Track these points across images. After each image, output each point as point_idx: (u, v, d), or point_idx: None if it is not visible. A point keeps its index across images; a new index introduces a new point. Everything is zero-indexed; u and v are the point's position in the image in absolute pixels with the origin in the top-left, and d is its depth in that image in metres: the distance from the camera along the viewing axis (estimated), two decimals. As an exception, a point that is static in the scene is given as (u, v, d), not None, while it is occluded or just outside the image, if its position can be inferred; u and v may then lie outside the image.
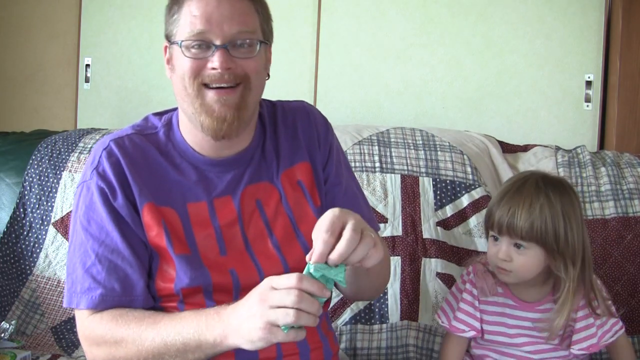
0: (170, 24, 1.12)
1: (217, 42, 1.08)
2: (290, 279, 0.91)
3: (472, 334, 1.43)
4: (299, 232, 1.20)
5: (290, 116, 1.27)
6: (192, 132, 1.17)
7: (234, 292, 1.14)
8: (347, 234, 0.91)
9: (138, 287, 1.11)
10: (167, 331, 1.03)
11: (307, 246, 1.18)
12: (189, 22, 1.08)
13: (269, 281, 0.94)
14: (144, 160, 1.16)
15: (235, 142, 1.18)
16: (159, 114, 1.26)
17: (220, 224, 1.16)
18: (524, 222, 1.33)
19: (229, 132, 1.11)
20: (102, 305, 1.10)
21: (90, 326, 1.11)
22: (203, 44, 1.08)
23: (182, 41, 1.08)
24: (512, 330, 1.42)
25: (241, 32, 1.09)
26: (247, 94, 1.12)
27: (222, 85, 1.09)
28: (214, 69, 1.08)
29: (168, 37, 1.14)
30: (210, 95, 1.10)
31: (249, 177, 1.19)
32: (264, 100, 1.26)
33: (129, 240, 1.12)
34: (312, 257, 0.92)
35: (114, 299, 1.10)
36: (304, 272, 0.93)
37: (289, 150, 1.24)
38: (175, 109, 1.24)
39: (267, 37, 1.16)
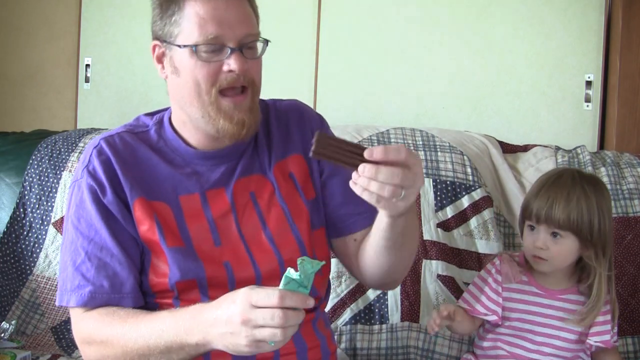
0: (169, 25, 1.11)
1: (231, 45, 1.08)
2: (272, 298, 0.90)
3: (492, 318, 1.47)
4: (293, 225, 1.20)
5: (283, 113, 1.28)
6: (187, 127, 1.18)
7: (229, 286, 1.14)
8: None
9: (127, 285, 1.12)
10: (148, 333, 1.04)
11: (301, 239, 1.18)
12: (197, 24, 1.07)
13: (248, 297, 0.93)
14: (135, 157, 1.17)
15: None
16: (150, 114, 1.26)
17: (213, 215, 1.17)
18: (562, 211, 1.40)
19: (247, 135, 1.13)
20: (91, 302, 1.11)
21: (81, 325, 1.12)
22: (217, 47, 1.08)
23: (196, 45, 1.07)
24: (532, 317, 1.46)
25: (249, 35, 1.10)
26: (255, 96, 1.14)
27: (236, 86, 1.10)
28: (231, 71, 1.08)
29: (163, 38, 1.13)
30: (226, 102, 1.10)
31: (241, 169, 1.20)
32: None
33: (118, 238, 1.13)
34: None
35: (103, 296, 1.11)
36: (284, 277, 0.93)
37: (282, 143, 1.24)
38: (166, 109, 1.25)
39: None
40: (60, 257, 1.19)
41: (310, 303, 0.93)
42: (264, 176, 1.21)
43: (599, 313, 1.42)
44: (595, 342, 1.43)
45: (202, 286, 1.13)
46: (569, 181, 1.45)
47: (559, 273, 1.47)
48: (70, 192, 1.18)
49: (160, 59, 1.16)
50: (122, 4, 2.62)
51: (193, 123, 1.15)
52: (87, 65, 2.67)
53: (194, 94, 1.11)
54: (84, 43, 2.67)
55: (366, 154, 0.94)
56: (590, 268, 1.45)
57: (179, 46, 1.09)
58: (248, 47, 1.10)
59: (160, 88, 2.84)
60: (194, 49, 1.07)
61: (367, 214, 1.20)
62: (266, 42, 1.14)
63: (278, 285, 1.14)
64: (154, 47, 1.16)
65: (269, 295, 0.91)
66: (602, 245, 1.43)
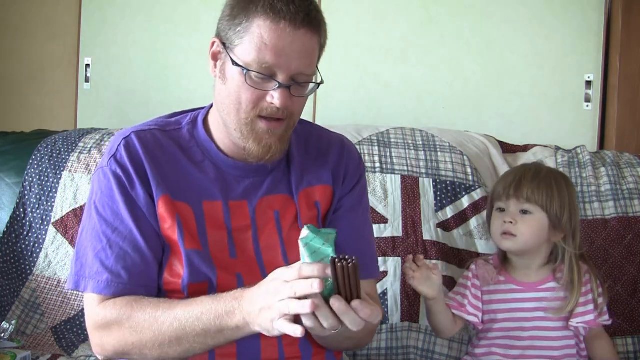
0: (232, 31, 1.09)
1: (281, 79, 1.07)
2: (292, 272, 0.92)
3: (474, 319, 1.48)
4: None
5: (326, 142, 1.28)
6: (223, 132, 1.17)
7: None
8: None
9: (145, 277, 1.11)
10: (185, 317, 1.03)
11: None
12: (257, 47, 1.05)
13: (281, 274, 0.94)
14: (163, 155, 1.17)
15: None
16: (185, 112, 1.26)
17: (233, 227, 1.16)
18: (531, 184, 1.44)
19: (271, 159, 1.14)
20: (107, 290, 1.10)
21: (102, 312, 1.10)
22: (267, 77, 1.07)
23: (248, 70, 1.06)
24: (518, 314, 1.47)
25: (303, 74, 1.09)
26: (290, 127, 1.14)
27: (274, 117, 1.10)
28: (272, 103, 1.08)
29: (223, 40, 1.11)
30: (261, 125, 1.10)
31: (267, 187, 1.20)
32: (301, 119, 1.27)
33: (142, 230, 1.12)
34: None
35: (119, 285, 1.10)
36: (302, 243, 0.94)
37: (315, 170, 1.24)
38: (202, 109, 1.25)
39: (317, 64, 1.15)
40: (78, 241, 1.18)
41: (328, 272, 0.90)
42: (290, 197, 1.21)
43: (579, 297, 1.43)
44: (578, 323, 1.44)
45: (212, 290, 1.12)
46: (535, 165, 1.51)
47: (533, 264, 1.49)
48: (95, 178, 1.18)
49: (215, 57, 1.14)
50: (122, 4, 2.62)
51: (228, 129, 1.16)
52: (87, 65, 2.67)
53: (233, 108, 1.11)
54: (84, 43, 2.67)
55: (356, 305, 0.90)
56: (561, 255, 1.47)
57: (233, 62, 1.08)
58: (298, 83, 1.09)
59: (160, 88, 2.86)
60: (245, 71, 1.07)
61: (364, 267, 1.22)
62: (317, 85, 1.13)
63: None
64: (213, 43, 1.14)
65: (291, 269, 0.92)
66: (572, 229, 1.46)
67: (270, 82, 1.08)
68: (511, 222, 1.44)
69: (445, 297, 1.53)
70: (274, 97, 1.08)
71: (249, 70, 1.06)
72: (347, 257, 0.89)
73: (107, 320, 1.10)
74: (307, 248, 0.93)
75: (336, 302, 0.90)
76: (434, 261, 1.72)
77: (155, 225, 1.13)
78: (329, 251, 0.93)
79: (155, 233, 1.13)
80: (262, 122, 1.10)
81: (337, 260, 0.89)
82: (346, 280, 0.90)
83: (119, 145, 1.16)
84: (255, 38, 1.06)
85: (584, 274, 1.46)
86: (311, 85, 1.12)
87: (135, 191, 1.13)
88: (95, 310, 1.11)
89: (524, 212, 1.44)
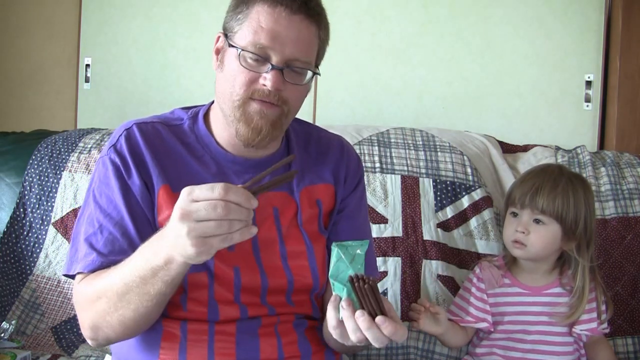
0: (234, 20, 1.12)
1: (274, 62, 1.08)
2: (215, 190, 0.89)
3: (484, 325, 1.47)
4: (312, 255, 1.19)
5: (325, 143, 1.30)
6: (224, 127, 1.18)
7: (234, 289, 1.14)
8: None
9: None
10: (123, 271, 1.02)
11: (316, 271, 1.18)
12: (253, 30, 1.08)
13: (189, 192, 0.90)
14: (164, 148, 1.18)
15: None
16: (186, 108, 1.28)
17: None
18: (548, 196, 1.41)
19: (260, 144, 1.14)
20: (90, 268, 1.10)
21: (81, 290, 1.10)
22: (261, 58, 1.09)
23: (242, 50, 1.08)
24: (522, 317, 1.47)
25: (298, 60, 1.10)
26: (284, 115, 1.14)
27: (266, 100, 1.10)
28: (265, 85, 1.09)
29: (226, 31, 1.14)
30: (254, 105, 1.11)
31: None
32: (300, 119, 1.27)
33: (134, 217, 1.13)
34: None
35: (102, 265, 1.10)
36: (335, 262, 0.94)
37: (315, 169, 1.25)
38: (203, 105, 1.26)
39: (318, 63, 1.17)
40: (74, 228, 1.19)
41: (254, 203, 0.91)
42: (290, 195, 1.21)
43: (584, 308, 1.43)
44: (582, 330, 1.44)
45: (211, 279, 1.12)
46: (556, 172, 1.47)
47: (540, 269, 1.48)
48: (95, 167, 1.20)
49: (218, 52, 1.16)
50: (122, 4, 2.62)
51: (226, 119, 1.17)
52: (87, 65, 2.67)
53: (228, 92, 1.12)
54: (84, 43, 2.67)
55: (379, 321, 0.90)
56: (571, 262, 1.46)
57: (230, 44, 1.11)
58: (292, 70, 1.10)
59: (160, 88, 2.85)
60: (239, 52, 1.08)
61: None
62: (314, 74, 1.13)
63: (283, 299, 1.15)
64: (218, 37, 1.16)
65: (211, 188, 0.89)
66: (586, 239, 1.44)
67: (264, 65, 1.09)
68: (523, 232, 1.43)
69: (450, 306, 1.53)
70: (266, 79, 1.08)
71: (243, 50, 1.08)
72: (365, 277, 0.90)
73: (83, 298, 1.10)
74: (334, 268, 0.94)
75: (360, 317, 0.90)
76: (434, 262, 1.72)
77: (149, 214, 1.14)
78: (349, 271, 0.93)
79: (147, 222, 1.14)
80: (254, 102, 1.11)
81: (354, 280, 0.89)
82: (366, 298, 0.90)
83: (120, 136, 1.18)
84: (252, 22, 1.08)
85: (590, 282, 1.46)
86: (308, 75, 1.13)
87: (131, 180, 1.14)
88: (77, 288, 1.12)
89: (537, 221, 1.43)
